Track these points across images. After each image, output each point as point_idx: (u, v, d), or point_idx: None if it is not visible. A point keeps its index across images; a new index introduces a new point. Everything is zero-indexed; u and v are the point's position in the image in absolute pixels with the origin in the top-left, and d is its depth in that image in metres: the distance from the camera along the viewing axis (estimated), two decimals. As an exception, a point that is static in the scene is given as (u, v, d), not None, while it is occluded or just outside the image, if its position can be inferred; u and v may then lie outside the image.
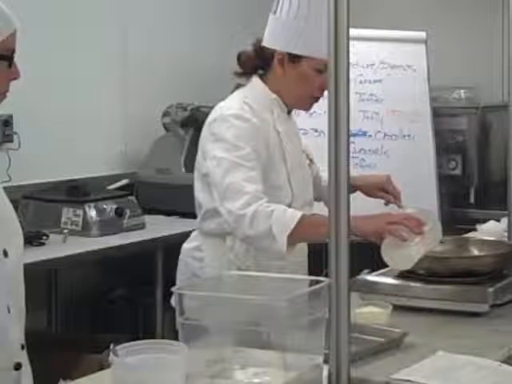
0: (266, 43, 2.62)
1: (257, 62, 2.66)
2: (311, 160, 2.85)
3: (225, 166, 2.47)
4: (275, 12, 2.60)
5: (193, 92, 4.84)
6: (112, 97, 4.79)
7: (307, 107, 2.72)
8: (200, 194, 2.64)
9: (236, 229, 2.44)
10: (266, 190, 2.47)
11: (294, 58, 2.58)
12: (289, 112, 2.70)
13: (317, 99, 2.65)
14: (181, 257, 2.76)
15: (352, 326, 1.71)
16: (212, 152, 2.52)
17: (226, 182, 2.45)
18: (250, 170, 2.46)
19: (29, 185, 4.23)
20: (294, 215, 2.38)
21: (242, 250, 2.60)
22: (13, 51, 1.95)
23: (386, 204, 2.76)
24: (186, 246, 2.76)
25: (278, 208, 2.41)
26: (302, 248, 2.72)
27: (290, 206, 2.54)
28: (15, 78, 1.99)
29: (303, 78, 2.59)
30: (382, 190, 2.76)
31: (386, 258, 2.30)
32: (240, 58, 2.69)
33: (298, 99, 2.66)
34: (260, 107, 2.59)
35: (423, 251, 2.31)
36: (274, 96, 2.63)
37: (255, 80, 2.65)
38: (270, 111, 2.62)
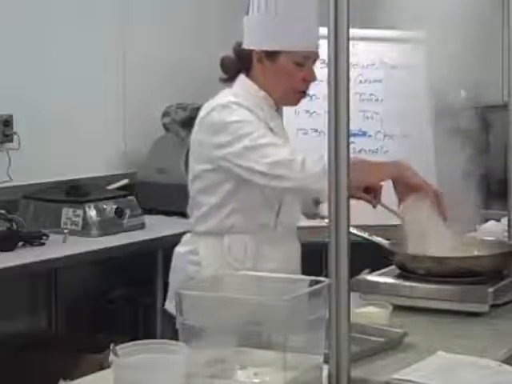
0: (244, 45, 2.62)
1: (239, 66, 2.65)
2: None
3: (250, 135, 2.45)
4: (248, 13, 2.60)
5: (193, 92, 4.84)
6: (112, 97, 4.79)
7: (294, 102, 2.71)
8: (200, 195, 2.61)
9: (286, 175, 2.41)
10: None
11: (271, 55, 2.57)
12: (277, 109, 2.69)
13: (303, 94, 2.64)
14: (175, 261, 2.72)
15: (352, 326, 1.72)
16: (224, 138, 2.48)
17: (261, 142, 2.44)
18: (270, 137, 2.48)
19: (29, 185, 4.23)
20: None
21: (240, 251, 2.57)
22: None
23: (374, 207, 2.75)
24: (179, 249, 2.71)
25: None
26: (296, 256, 2.71)
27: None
28: None
29: (283, 73, 2.58)
30: (361, 189, 2.71)
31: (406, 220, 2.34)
32: (223, 63, 2.69)
33: (282, 95, 2.63)
34: (250, 104, 2.57)
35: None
36: (263, 93, 2.61)
37: (242, 78, 2.64)
38: (260, 108, 2.60)
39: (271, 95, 2.63)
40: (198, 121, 2.62)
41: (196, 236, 2.65)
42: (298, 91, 2.62)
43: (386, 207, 2.72)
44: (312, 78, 2.60)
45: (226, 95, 2.61)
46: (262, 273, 2.06)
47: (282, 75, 2.58)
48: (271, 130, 2.59)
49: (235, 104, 2.52)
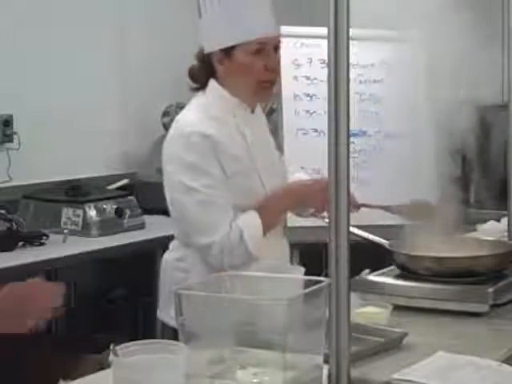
0: (205, 50, 2.56)
1: (206, 73, 2.57)
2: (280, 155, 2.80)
3: (196, 198, 2.43)
4: (200, 16, 2.57)
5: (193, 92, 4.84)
6: (112, 97, 4.79)
7: (264, 97, 2.63)
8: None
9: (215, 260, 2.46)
10: (237, 203, 2.46)
11: (228, 52, 2.49)
12: (252, 110, 2.61)
13: (270, 83, 2.54)
14: (163, 267, 2.67)
15: (352, 326, 1.72)
16: (176, 175, 2.47)
17: (198, 217, 2.45)
18: (218, 198, 2.43)
19: (29, 185, 4.23)
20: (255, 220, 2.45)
21: None
22: None
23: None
24: (167, 256, 2.67)
25: (242, 226, 2.43)
26: (284, 254, 2.70)
27: None
28: None
29: (243, 66, 2.49)
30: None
31: None
32: (191, 72, 2.62)
33: (250, 91, 2.54)
34: (221, 112, 2.52)
35: None
36: (234, 99, 2.54)
37: (213, 84, 2.56)
38: (232, 114, 2.54)
39: (241, 98, 2.54)
40: (166, 139, 2.57)
41: (182, 243, 2.61)
42: (262, 81, 2.51)
43: (371, 206, 2.71)
44: (273, 64, 2.50)
45: (194, 109, 2.55)
46: (261, 273, 2.06)
47: (242, 70, 2.49)
48: (244, 136, 2.53)
49: (196, 135, 2.45)
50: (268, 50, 2.50)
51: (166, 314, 2.57)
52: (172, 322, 2.45)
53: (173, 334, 1.82)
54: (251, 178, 2.53)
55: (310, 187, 2.54)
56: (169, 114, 4.73)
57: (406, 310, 2.35)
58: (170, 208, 2.57)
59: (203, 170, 2.44)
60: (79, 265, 4.09)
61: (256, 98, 2.61)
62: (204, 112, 2.52)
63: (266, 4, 2.53)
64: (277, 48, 2.53)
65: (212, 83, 2.57)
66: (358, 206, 2.62)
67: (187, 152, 2.45)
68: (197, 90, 2.61)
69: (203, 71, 2.58)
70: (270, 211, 2.51)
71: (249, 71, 2.49)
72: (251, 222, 2.45)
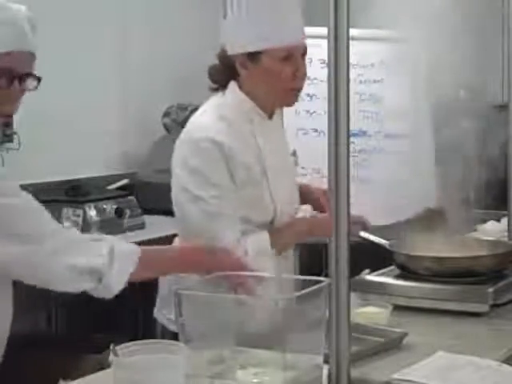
0: (228, 51, 2.46)
1: (226, 74, 2.49)
2: (296, 161, 2.77)
3: (202, 207, 2.37)
4: (225, 16, 2.46)
5: (193, 92, 4.84)
6: (112, 97, 4.79)
7: (290, 102, 2.53)
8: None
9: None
10: (245, 215, 2.41)
11: (254, 57, 2.40)
12: (270, 116, 2.53)
13: (297, 90, 2.47)
14: None
15: (352, 326, 1.72)
16: (184, 181, 2.43)
17: (203, 227, 2.37)
18: (225, 208, 2.36)
19: (29, 185, 4.23)
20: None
21: None
22: None
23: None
24: None
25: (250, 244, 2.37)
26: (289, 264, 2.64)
27: (272, 222, 2.46)
28: None
29: (269, 72, 2.40)
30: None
31: None
32: (211, 72, 2.53)
33: (273, 97, 2.48)
34: (237, 116, 2.45)
35: None
36: (253, 104, 2.46)
37: (233, 86, 2.48)
38: (248, 120, 2.47)
39: (261, 102, 2.47)
40: (177, 141, 2.51)
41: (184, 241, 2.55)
42: (289, 89, 2.44)
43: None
44: (302, 72, 2.43)
45: (210, 111, 2.47)
46: (261, 273, 2.06)
47: (269, 75, 2.41)
48: (258, 145, 2.46)
49: (206, 141, 2.37)
50: (296, 56, 2.42)
51: (163, 315, 2.56)
52: (171, 326, 2.44)
53: (172, 337, 1.82)
54: (260, 188, 2.46)
55: (323, 224, 2.43)
56: (170, 115, 4.73)
57: (406, 310, 2.35)
58: (175, 208, 2.54)
59: (211, 180, 2.38)
60: (79, 265, 4.09)
61: (280, 104, 2.56)
62: (218, 114, 2.45)
63: (297, 9, 2.44)
64: (304, 54, 2.45)
65: (232, 85, 2.49)
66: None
67: (195, 158, 2.40)
68: (216, 90, 2.54)
69: (223, 72, 2.50)
70: (280, 238, 2.44)
71: (277, 78, 2.42)
72: (260, 242, 2.38)
